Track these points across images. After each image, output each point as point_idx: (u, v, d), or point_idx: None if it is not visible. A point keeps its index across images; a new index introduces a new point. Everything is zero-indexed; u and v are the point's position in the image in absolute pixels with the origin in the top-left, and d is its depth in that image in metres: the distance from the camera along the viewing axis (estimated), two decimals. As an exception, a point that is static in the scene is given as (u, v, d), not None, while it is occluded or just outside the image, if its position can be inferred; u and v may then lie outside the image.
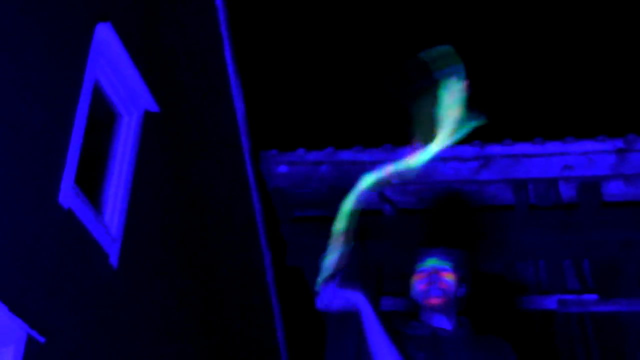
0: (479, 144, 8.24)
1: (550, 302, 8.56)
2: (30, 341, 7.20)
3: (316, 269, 8.92)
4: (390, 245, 8.62)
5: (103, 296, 8.68)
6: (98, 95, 8.92)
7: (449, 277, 4.26)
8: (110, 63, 8.95)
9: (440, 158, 8.36)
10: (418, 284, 4.30)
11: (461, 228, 8.37)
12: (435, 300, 4.22)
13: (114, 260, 8.79)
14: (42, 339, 7.33)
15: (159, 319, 10.10)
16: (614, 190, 8.34)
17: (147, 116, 9.78)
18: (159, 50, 10.28)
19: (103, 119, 9.21)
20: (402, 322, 4.35)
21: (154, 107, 9.73)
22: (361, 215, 8.80)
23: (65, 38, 8.11)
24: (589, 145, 8.12)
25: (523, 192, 8.30)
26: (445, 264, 4.30)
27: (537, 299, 8.58)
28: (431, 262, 4.31)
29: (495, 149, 8.23)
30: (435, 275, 4.25)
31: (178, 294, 10.81)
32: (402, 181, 8.46)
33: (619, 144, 8.07)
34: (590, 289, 8.69)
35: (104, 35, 8.64)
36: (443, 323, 4.25)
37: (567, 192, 8.38)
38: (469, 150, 8.25)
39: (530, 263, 8.68)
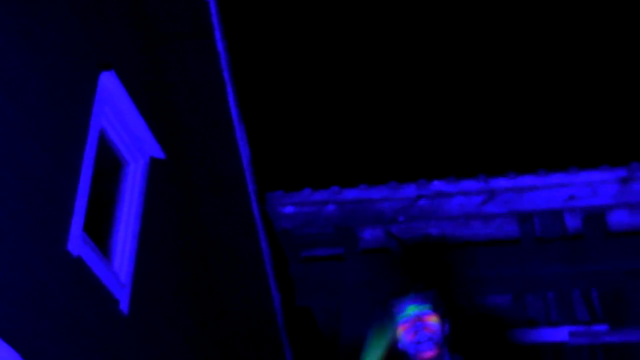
0: (484, 177, 8.30)
1: (561, 334, 8.55)
2: (42, 389, 7.22)
3: (324, 308, 8.95)
4: (398, 281, 8.64)
5: (114, 342, 8.69)
6: (104, 143, 8.98)
7: (433, 320, 4.26)
8: (115, 111, 9.01)
9: (445, 193, 8.45)
10: (405, 334, 4.27)
11: (467, 263, 8.40)
12: (428, 355, 4.22)
13: (124, 306, 8.81)
14: (54, 387, 7.35)
15: (170, 363, 10.11)
16: (618, 219, 8.38)
17: (153, 162, 9.83)
18: (163, 97, 10.36)
19: (109, 166, 9.27)
20: None
21: (159, 154, 9.78)
22: (369, 253, 8.88)
23: (70, 87, 8.19)
24: (592, 175, 8.17)
25: (528, 224, 8.34)
26: (425, 308, 4.29)
27: (548, 332, 8.58)
28: (412, 310, 4.30)
29: (499, 182, 8.29)
30: (420, 323, 4.24)
31: (188, 338, 10.81)
32: (408, 218, 8.52)
33: (622, 172, 8.12)
34: (600, 319, 8.68)
35: (108, 83, 8.71)
36: None
37: (572, 223, 8.42)
38: (473, 184, 8.31)
39: (539, 295, 8.68)
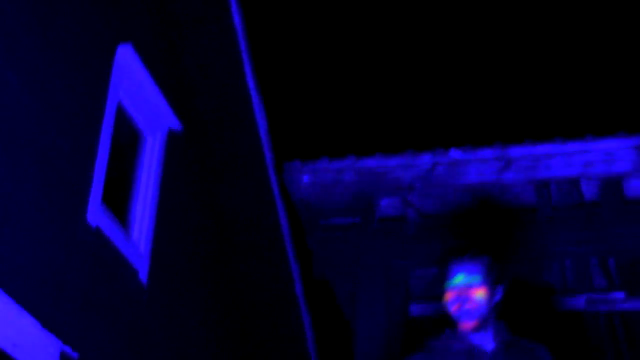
0: (500, 145, 8.31)
1: (578, 302, 8.57)
2: (63, 357, 7.28)
3: (342, 276, 9.00)
4: (416, 250, 8.68)
5: (133, 311, 8.76)
6: (121, 115, 9.02)
7: (478, 294, 4.21)
8: (133, 84, 9.04)
9: (462, 161, 8.47)
10: (450, 304, 4.24)
11: (484, 231, 8.42)
12: (467, 325, 4.19)
13: (143, 276, 8.87)
14: (75, 355, 7.41)
15: (189, 333, 10.17)
16: (635, 186, 8.38)
17: (171, 135, 9.86)
18: (179, 70, 10.39)
19: (127, 139, 9.31)
20: (442, 333, 4.32)
21: (177, 126, 9.82)
22: (386, 221, 8.91)
23: (87, 61, 8.22)
24: (608, 143, 8.18)
25: (545, 192, 8.35)
26: (474, 279, 4.22)
27: (565, 300, 8.61)
28: (459, 280, 4.23)
29: (516, 151, 8.30)
30: (465, 296, 4.20)
31: (207, 308, 10.88)
32: (425, 186, 8.55)
33: (639, 140, 8.11)
34: (617, 286, 8.70)
35: (126, 56, 8.74)
36: (480, 340, 4.23)
37: (589, 190, 8.43)
38: (490, 152, 8.32)
39: (556, 263, 8.70)
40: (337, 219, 8.87)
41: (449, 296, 4.24)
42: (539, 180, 8.29)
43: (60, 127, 7.62)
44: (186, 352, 10.09)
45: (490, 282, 4.25)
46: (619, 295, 8.56)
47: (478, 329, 4.21)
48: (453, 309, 4.22)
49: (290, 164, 8.67)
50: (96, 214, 7.98)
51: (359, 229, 8.86)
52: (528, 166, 8.28)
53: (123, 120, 9.13)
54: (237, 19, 10.25)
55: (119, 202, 8.97)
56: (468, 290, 4.20)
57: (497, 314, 4.29)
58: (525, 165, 8.28)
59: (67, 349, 7.31)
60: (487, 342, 4.24)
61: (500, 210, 8.40)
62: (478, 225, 8.45)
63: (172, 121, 9.72)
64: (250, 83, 10.48)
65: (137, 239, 8.95)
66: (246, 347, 11.86)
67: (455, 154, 8.38)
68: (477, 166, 8.39)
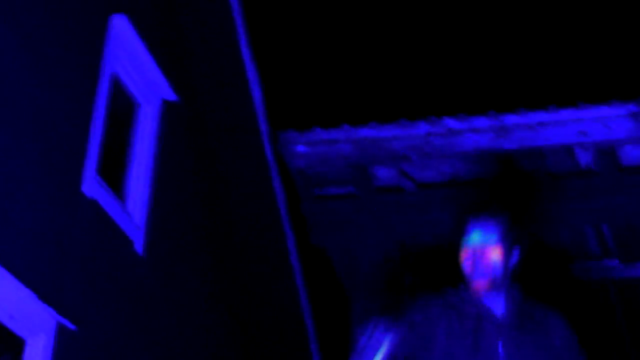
0: (494, 114, 8.31)
1: (574, 269, 8.60)
2: (60, 329, 7.31)
3: (338, 246, 9.02)
4: (413, 220, 8.69)
5: (130, 282, 8.79)
6: (116, 85, 9.01)
7: (494, 254, 4.11)
8: (127, 54, 9.03)
9: (457, 130, 8.47)
10: (464, 262, 4.16)
11: (481, 199, 8.43)
12: (480, 285, 4.11)
13: (139, 247, 8.89)
14: (72, 327, 7.44)
15: (186, 303, 10.21)
16: (630, 154, 8.38)
17: (166, 105, 9.86)
18: (174, 40, 10.36)
19: (122, 109, 9.30)
20: (454, 291, 4.25)
21: (172, 96, 9.81)
22: (382, 191, 8.93)
23: (82, 31, 8.21)
24: (603, 110, 8.16)
25: (540, 160, 8.35)
26: (490, 238, 4.12)
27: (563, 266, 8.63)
28: (475, 238, 4.14)
29: (510, 119, 8.28)
30: (479, 254, 4.12)
31: (203, 278, 10.92)
32: (420, 156, 8.56)
33: (633, 107, 8.10)
34: (612, 254, 8.73)
35: (120, 26, 8.72)
36: (490, 303, 4.16)
37: (584, 158, 8.42)
38: (484, 121, 8.31)
39: (551, 231, 8.70)
40: (332, 189, 8.88)
41: (464, 253, 4.16)
42: (533, 148, 8.29)
43: (54, 98, 7.62)
44: (183, 322, 10.13)
45: (507, 243, 4.16)
46: (614, 262, 8.59)
47: (491, 290, 4.13)
48: (467, 267, 4.15)
49: (285, 134, 8.67)
50: (92, 186, 7.99)
51: (355, 198, 8.87)
52: (522, 134, 8.28)
53: (118, 90, 9.12)
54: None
55: (114, 172, 8.97)
56: (483, 249, 4.12)
57: (512, 278, 4.21)
58: (519, 134, 8.28)
59: (64, 321, 7.34)
60: (498, 305, 4.17)
61: (496, 178, 8.41)
62: (474, 194, 8.46)
63: (167, 91, 9.72)
64: (245, 53, 10.47)
65: (133, 210, 8.96)
66: (243, 315, 11.91)
67: (449, 122, 8.38)
68: (472, 135, 8.39)
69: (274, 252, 11.61)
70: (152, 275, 9.27)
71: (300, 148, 8.65)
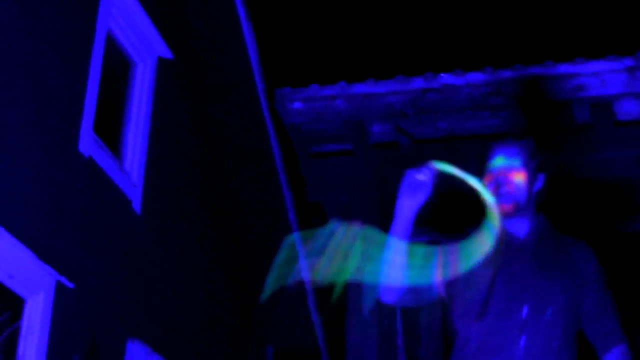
0: (490, 70, 8.29)
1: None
2: (59, 287, 7.35)
3: (335, 203, 9.04)
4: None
5: (128, 240, 8.82)
6: (111, 43, 8.99)
7: (518, 178, 4.03)
8: (122, 12, 9.01)
9: (452, 86, 8.47)
10: (489, 186, 4.01)
11: (477, 155, 8.43)
12: (504, 207, 3.97)
13: (136, 205, 8.91)
14: (71, 285, 7.48)
15: (183, 261, 10.25)
16: (626, 109, 8.38)
17: (162, 63, 9.85)
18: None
19: (118, 67, 9.29)
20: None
21: (167, 54, 9.80)
22: (379, 147, 8.92)
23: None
24: (599, 65, 8.13)
25: (536, 115, 8.35)
26: (514, 162, 4.04)
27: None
28: (499, 162, 4.05)
29: (506, 74, 8.27)
30: (503, 178, 4.03)
31: (201, 236, 10.95)
32: (416, 112, 8.56)
33: (630, 62, 8.08)
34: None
35: (114, -16, 8.71)
36: (515, 228, 4.07)
37: (580, 113, 8.42)
38: (480, 76, 8.29)
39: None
40: (329, 145, 8.86)
41: (487, 178, 4.06)
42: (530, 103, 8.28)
43: (49, 57, 7.60)
44: (181, 279, 10.18)
45: (531, 167, 4.06)
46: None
47: (514, 214, 4.04)
48: (491, 190, 3.99)
49: (280, 91, 8.64)
50: (88, 144, 8.00)
51: (352, 155, 8.87)
52: (518, 89, 8.27)
53: (113, 48, 9.11)
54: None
55: (111, 131, 8.97)
56: (507, 172, 4.03)
57: (537, 205, 4.10)
58: (515, 89, 8.27)
59: (63, 280, 7.38)
60: (521, 229, 4.09)
61: (490, 134, 8.39)
62: (471, 151, 8.43)
63: (162, 49, 9.70)
64: (241, 9, 10.43)
65: (129, 168, 8.98)
66: (239, 272, 11.96)
67: (445, 78, 8.36)
68: (467, 90, 8.37)
69: (271, 209, 11.64)
70: (149, 233, 9.31)
71: (296, 105, 8.63)
